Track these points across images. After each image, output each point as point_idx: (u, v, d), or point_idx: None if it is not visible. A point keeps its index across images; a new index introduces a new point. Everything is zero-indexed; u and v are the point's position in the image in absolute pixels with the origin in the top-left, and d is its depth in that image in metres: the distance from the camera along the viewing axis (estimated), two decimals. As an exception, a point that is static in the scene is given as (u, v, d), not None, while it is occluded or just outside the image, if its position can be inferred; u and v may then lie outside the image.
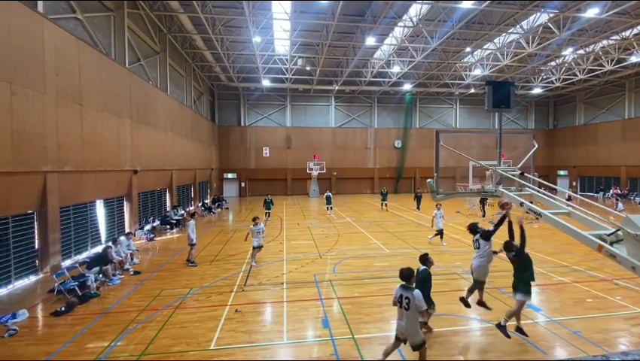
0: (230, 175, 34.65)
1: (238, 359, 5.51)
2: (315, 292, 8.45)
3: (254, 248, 10.83)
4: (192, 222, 11.33)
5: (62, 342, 6.08)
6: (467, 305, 6.59)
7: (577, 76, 27.59)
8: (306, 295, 8.27)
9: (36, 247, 9.72)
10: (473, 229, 6.57)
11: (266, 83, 29.87)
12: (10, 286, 8.75)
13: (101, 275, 9.16)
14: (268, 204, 19.39)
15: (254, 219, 11.00)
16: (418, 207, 22.98)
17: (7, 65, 8.38)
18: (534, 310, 7.22)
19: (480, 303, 6.59)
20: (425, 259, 5.94)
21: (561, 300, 7.80)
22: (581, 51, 23.37)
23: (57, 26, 10.23)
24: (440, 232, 13.29)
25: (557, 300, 7.81)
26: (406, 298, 4.64)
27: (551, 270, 9.95)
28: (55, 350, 5.82)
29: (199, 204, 25.87)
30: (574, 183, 35.22)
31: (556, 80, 29.19)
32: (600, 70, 25.91)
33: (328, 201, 21.77)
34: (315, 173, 34.28)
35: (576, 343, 5.87)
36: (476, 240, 6.44)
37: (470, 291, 6.67)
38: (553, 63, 26.90)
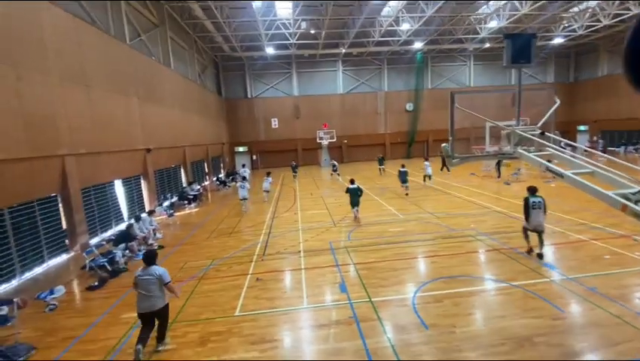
0: (241, 149, 34.72)
1: (261, 324, 5.83)
2: (332, 259, 8.69)
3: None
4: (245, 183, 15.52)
5: (99, 314, 6.54)
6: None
7: (601, 22, 25.54)
8: (323, 262, 8.52)
9: (64, 227, 10.19)
10: (533, 191, 8.06)
11: (270, 50, 28.88)
12: (44, 265, 9.32)
13: (127, 251, 9.63)
14: (294, 168, 25.72)
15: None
16: (441, 169, 22.38)
17: (10, 49, 8.32)
18: (550, 269, 7.26)
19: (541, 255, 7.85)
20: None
21: (578, 258, 7.80)
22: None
23: (53, 5, 9.97)
24: (428, 176, 18.55)
25: (574, 258, 7.82)
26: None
27: (568, 228, 9.88)
28: (94, 321, 6.29)
29: (214, 179, 26.30)
30: (594, 138, 33.85)
31: (578, 27, 27.14)
32: (627, 14, 23.84)
33: (334, 167, 25.07)
34: (325, 142, 33.98)
35: (592, 299, 5.93)
36: (539, 201, 7.85)
37: (543, 243, 7.86)
38: (575, 9, 24.88)
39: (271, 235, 11.25)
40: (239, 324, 5.85)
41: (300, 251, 9.44)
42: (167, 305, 5.28)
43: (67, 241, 10.26)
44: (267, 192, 17.44)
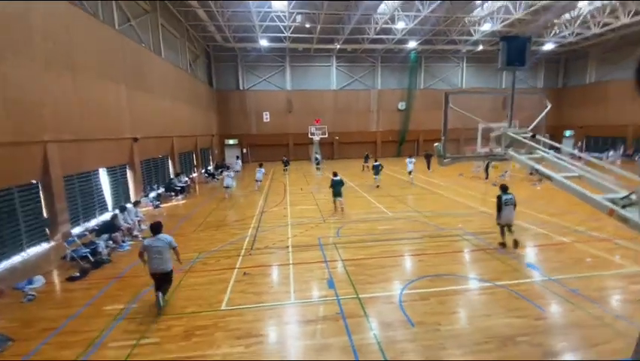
0: (231, 141, 34.26)
1: (248, 318, 5.78)
2: (320, 254, 8.68)
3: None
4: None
5: (80, 305, 6.37)
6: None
7: (591, 30, 26.07)
8: (311, 257, 8.49)
9: (45, 215, 9.87)
10: (505, 189, 8.80)
11: (263, 43, 28.47)
12: (23, 254, 8.99)
13: (110, 242, 9.40)
14: (285, 163, 25.89)
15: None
16: (428, 167, 23.95)
17: (-8, 28, 7.95)
18: (533, 270, 7.41)
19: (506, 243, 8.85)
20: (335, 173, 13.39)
21: (561, 260, 7.98)
22: (598, 3, 21.84)
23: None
24: (409, 172, 19.84)
25: (557, 260, 8.00)
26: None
27: (553, 230, 10.10)
28: (74, 312, 6.12)
29: (203, 171, 25.94)
30: (579, 143, 34.71)
31: (569, 34, 27.64)
32: (616, 24, 24.39)
33: (317, 161, 26.23)
34: (316, 138, 33.83)
35: (573, 300, 6.08)
36: (511, 198, 8.61)
37: (513, 232, 8.76)
38: (567, 16, 25.31)
39: (260, 229, 11.16)
40: (225, 318, 5.79)
41: (288, 246, 9.39)
42: (172, 270, 6.28)
43: (47, 229, 9.95)
44: (259, 181, 18.90)
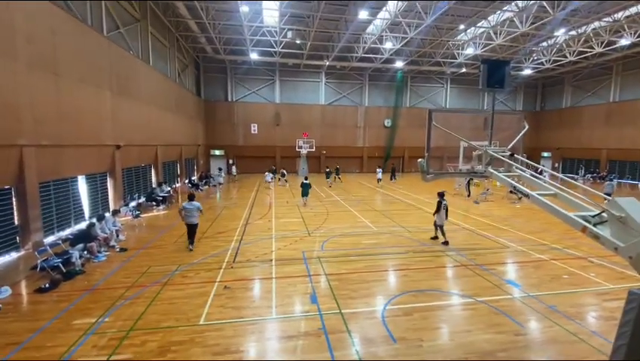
0: (217, 152, 33.96)
1: (227, 334, 5.60)
2: (304, 268, 8.57)
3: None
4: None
5: (48, 318, 6.02)
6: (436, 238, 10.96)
7: (566, 58, 27.63)
8: (295, 271, 8.37)
9: (16, 223, 9.43)
10: (442, 195, 10.90)
11: (254, 56, 28.77)
12: (-10, 263, 8.53)
13: (85, 252, 9.02)
14: (273, 172, 27.93)
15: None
16: (391, 178, 28.38)
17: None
18: (513, 286, 7.53)
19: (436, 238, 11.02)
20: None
21: (539, 276, 8.15)
22: (573, 32, 23.26)
23: (26, -13, 9.44)
24: (378, 180, 25.94)
25: (535, 276, 8.17)
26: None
27: (531, 248, 10.34)
28: (40, 326, 5.77)
29: (186, 181, 25.50)
30: (556, 165, 36.14)
31: (546, 61, 29.18)
32: (590, 52, 25.97)
33: (283, 175, 27.02)
34: (304, 151, 33.97)
35: (551, 317, 6.18)
36: (446, 203, 10.76)
37: (443, 233, 10.78)
38: (544, 44, 26.79)
39: (242, 241, 10.96)
40: (203, 333, 5.59)
41: (271, 260, 9.24)
42: (198, 223, 10.03)
43: (18, 237, 9.49)
44: (268, 182, 24.58)
